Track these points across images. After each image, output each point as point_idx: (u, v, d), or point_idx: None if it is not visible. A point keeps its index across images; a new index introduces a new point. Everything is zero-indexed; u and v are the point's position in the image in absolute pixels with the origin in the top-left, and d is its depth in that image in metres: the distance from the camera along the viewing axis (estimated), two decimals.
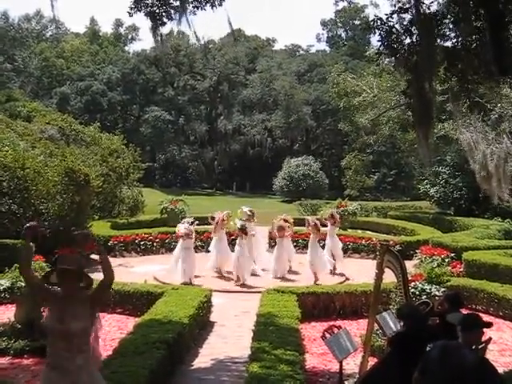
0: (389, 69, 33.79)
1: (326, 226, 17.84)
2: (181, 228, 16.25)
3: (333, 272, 16.88)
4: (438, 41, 8.81)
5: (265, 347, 7.97)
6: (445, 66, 8.98)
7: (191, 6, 10.04)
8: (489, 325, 5.60)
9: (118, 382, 6.42)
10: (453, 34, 8.88)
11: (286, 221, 17.75)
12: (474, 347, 5.35)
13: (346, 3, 72.25)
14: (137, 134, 60.14)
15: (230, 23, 10.14)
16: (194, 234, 16.24)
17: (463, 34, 8.60)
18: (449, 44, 8.94)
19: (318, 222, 16.57)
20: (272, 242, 18.99)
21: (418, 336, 6.30)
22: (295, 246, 19.29)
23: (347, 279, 16.06)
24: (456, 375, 4.95)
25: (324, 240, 17.56)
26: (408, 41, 8.87)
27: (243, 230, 15.77)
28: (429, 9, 8.70)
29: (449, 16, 8.78)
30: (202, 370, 9.02)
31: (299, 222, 20.19)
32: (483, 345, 7.29)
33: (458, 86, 9.14)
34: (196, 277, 15.59)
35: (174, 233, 17.61)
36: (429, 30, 8.45)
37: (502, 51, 7.93)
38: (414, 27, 8.68)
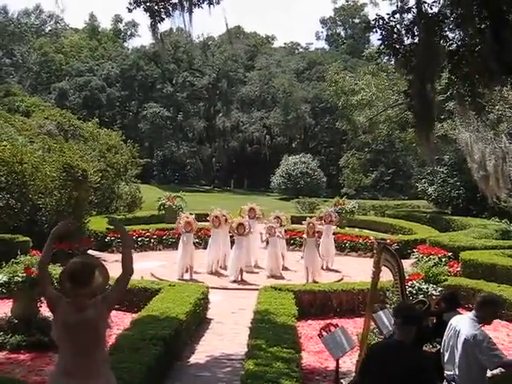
0: (387, 68, 33.83)
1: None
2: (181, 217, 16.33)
3: (323, 268, 16.88)
4: (441, 42, 8.74)
5: (261, 345, 7.97)
6: (449, 68, 8.92)
7: (188, 3, 9.99)
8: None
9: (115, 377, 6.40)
10: (456, 36, 8.82)
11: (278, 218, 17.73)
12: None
13: (344, 0, 72.48)
14: (135, 130, 60.13)
15: (227, 25, 10.15)
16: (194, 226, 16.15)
17: (466, 35, 8.54)
18: (452, 46, 8.87)
19: (315, 223, 16.45)
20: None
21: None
22: (292, 244, 19.28)
23: (342, 276, 16.13)
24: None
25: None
26: (409, 41, 8.80)
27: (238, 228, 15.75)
28: (431, 9, 8.63)
29: (451, 17, 8.72)
30: (198, 366, 9.02)
31: (297, 220, 20.20)
32: None
33: (462, 88, 9.06)
34: (195, 273, 15.71)
35: (172, 229, 17.44)
36: (431, 30, 8.39)
37: (505, 51, 7.88)
38: (415, 27, 8.62)
